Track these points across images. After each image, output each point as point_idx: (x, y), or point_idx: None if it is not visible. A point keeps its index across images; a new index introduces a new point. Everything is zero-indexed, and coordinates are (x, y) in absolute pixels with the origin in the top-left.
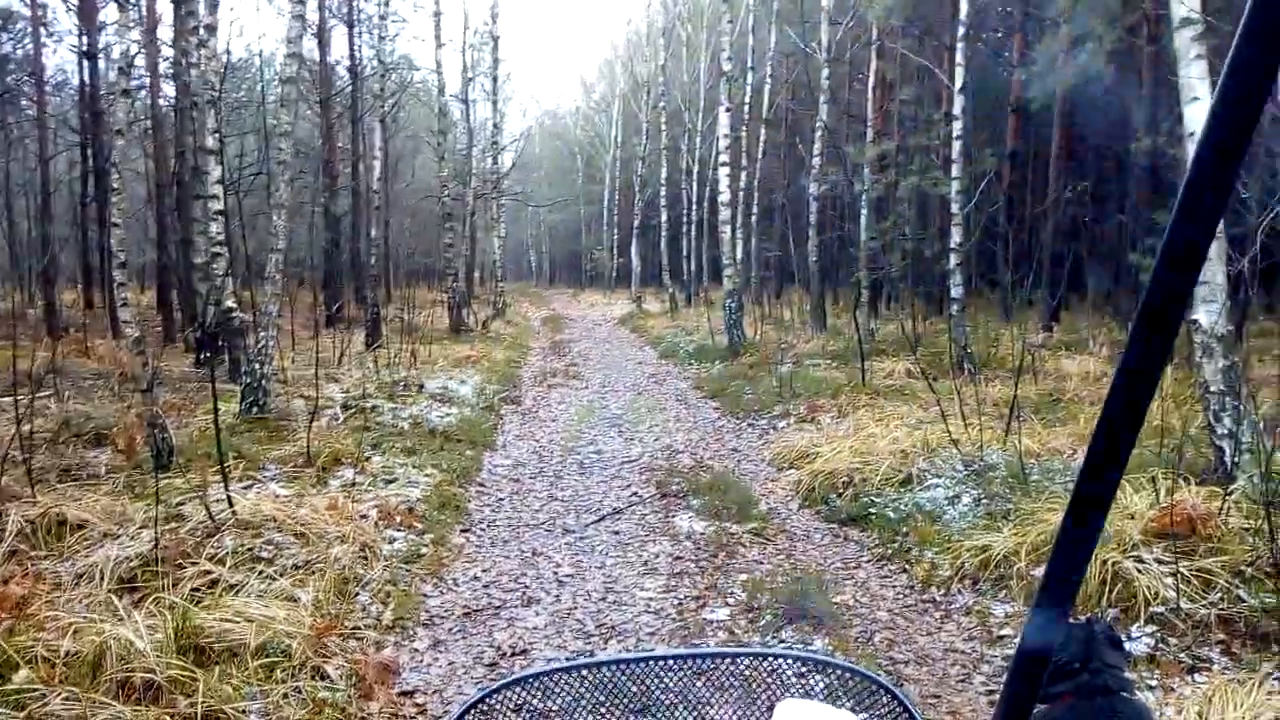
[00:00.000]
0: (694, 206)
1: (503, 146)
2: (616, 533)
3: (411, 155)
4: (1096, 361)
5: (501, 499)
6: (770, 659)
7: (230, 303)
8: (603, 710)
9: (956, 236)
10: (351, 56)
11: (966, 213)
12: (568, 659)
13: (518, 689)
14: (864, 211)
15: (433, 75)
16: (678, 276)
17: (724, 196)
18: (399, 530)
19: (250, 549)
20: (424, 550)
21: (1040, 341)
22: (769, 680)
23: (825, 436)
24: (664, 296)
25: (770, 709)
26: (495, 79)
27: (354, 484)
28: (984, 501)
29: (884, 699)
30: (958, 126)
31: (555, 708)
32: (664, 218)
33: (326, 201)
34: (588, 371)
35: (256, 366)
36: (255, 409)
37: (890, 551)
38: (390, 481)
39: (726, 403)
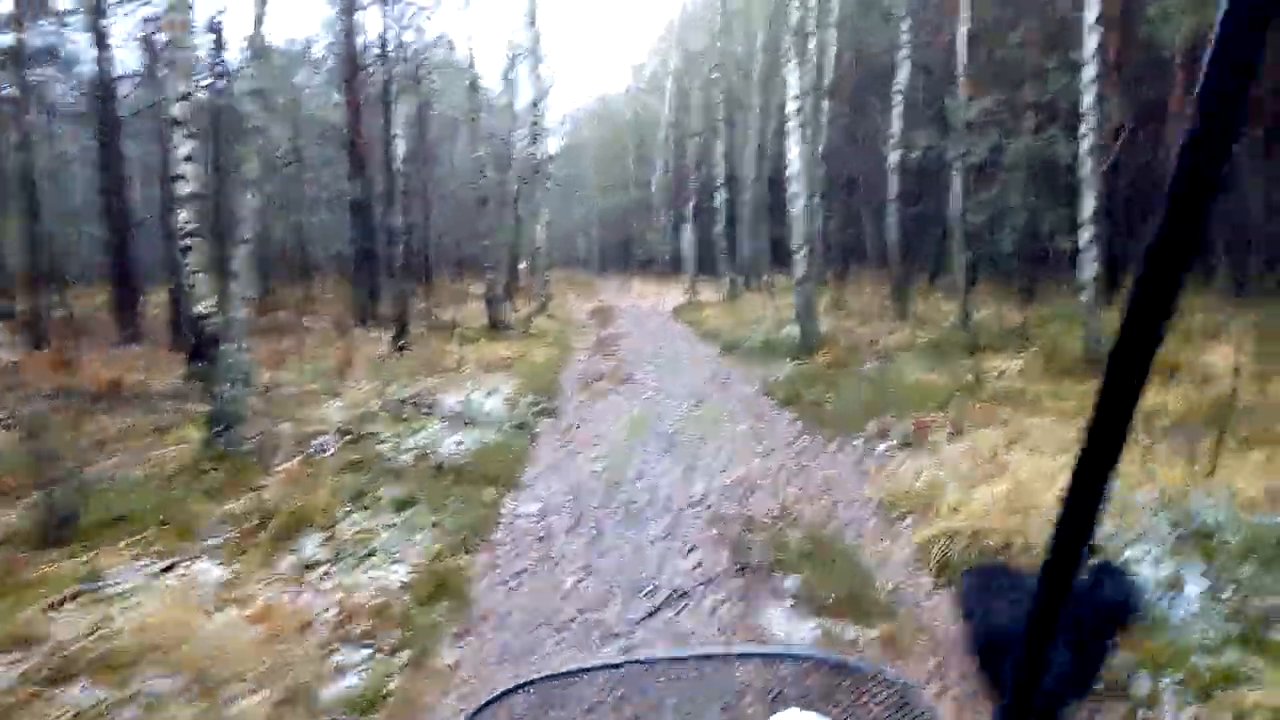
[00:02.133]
0: (751, 187)
1: (545, 128)
2: (679, 634)
3: (450, 140)
4: (1234, 355)
5: (520, 573)
6: (778, 660)
7: (205, 305)
8: (607, 712)
9: (1089, 205)
10: (381, 35)
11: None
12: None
13: (518, 695)
14: (956, 180)
15: (466, 50)
16: (735, 262)
17: (793, 167)
18: (361, 646)
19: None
20: (392, 684)
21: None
22: (774, 684)
23: (946, 466)
24: (721, 284)
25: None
26: (536, 57)
27: (313, 564)
28: (1224, 593)
29: (901, 698)
30: (1090, 70)
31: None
32: (721, 198)
33: (353, 189)
34: (639, 374)
35: (227, 386)
36: (223, 441)
37: (1099, 687)
38: (367, 556)
39: (806, 414)
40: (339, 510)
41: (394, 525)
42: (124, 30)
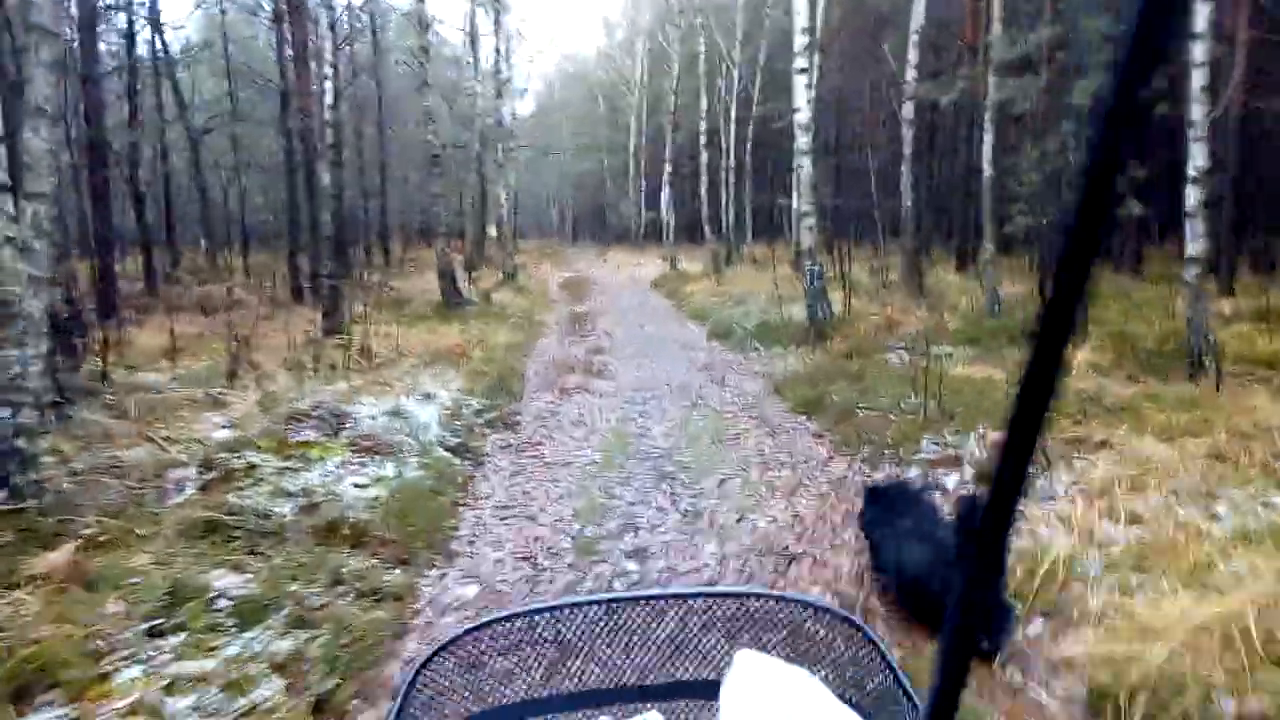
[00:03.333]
0: (733, 150)
1: (513, 86)
2: None
3: (414, 95)
4: None
5: None
6: (742, 599)
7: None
8: (569, 646)
9: (1198, 160)
10: None
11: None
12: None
13: (483, 633)
14: (988, 135)
15: None
16: (719, 231)
17: (800, 115)
18: None
19: None
20: None
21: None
22: (740, 620)
23: (1061, 522)
24: (703, 254)
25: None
26: (499, 6)
27: None
28: None
29: (856, 637)
30: None
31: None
32: (703, 160)
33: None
34: (617, 363)
35: (6, 413)
36: (7, 492)
37: None
38: None
39: (833, 425)
40: (130, 633)
41: (218, 668)
42: None
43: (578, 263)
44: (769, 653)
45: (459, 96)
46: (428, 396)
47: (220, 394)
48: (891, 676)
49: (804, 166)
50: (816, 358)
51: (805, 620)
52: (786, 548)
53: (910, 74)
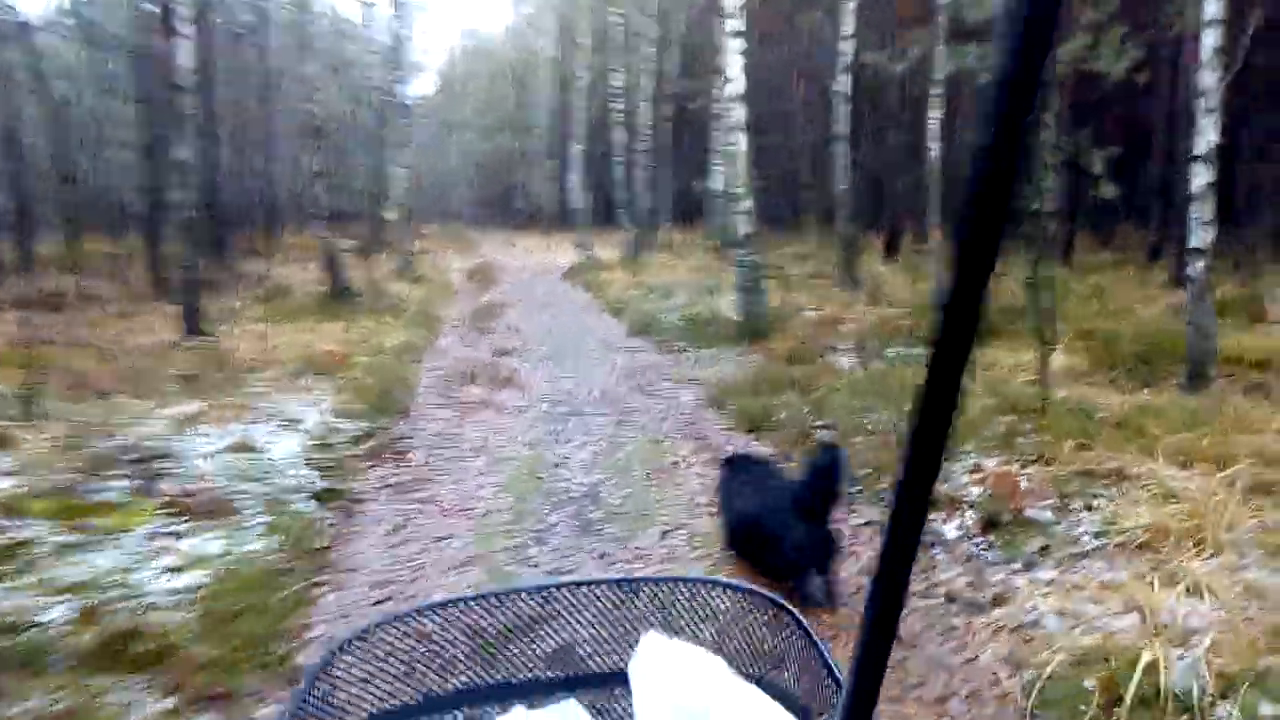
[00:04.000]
0: (646, 133)
1: (411, 59)
2: None
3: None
4: None
5: None
6: (662, 584)
7: None
8: (480, 641)
9: (1208, 135)
10: None
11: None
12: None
13: (394, 627)
14: (935, 113)
15: None
16: (633, 216)
17: (733, 86)
18: None
19: None
20: None
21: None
22: (662, 607)
23: (1124, 597)
24: (617, 240)
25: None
26: None
27: None
28: None
29: (781, 618)
30: None
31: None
32: (617, 139)
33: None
34: (528, 367)
35: None
36: None
37: None
38: None
39: (787, 448)
40: None
41: None
42: None
43: (484, 248)
44: (689, 636)
45: (352, 69)
46: (290, 423)
47: (7, 428)
48: (815, 652)
49: (738, 144)
50: (755, 361)
51: (726, 602)
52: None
53: (846, 45)
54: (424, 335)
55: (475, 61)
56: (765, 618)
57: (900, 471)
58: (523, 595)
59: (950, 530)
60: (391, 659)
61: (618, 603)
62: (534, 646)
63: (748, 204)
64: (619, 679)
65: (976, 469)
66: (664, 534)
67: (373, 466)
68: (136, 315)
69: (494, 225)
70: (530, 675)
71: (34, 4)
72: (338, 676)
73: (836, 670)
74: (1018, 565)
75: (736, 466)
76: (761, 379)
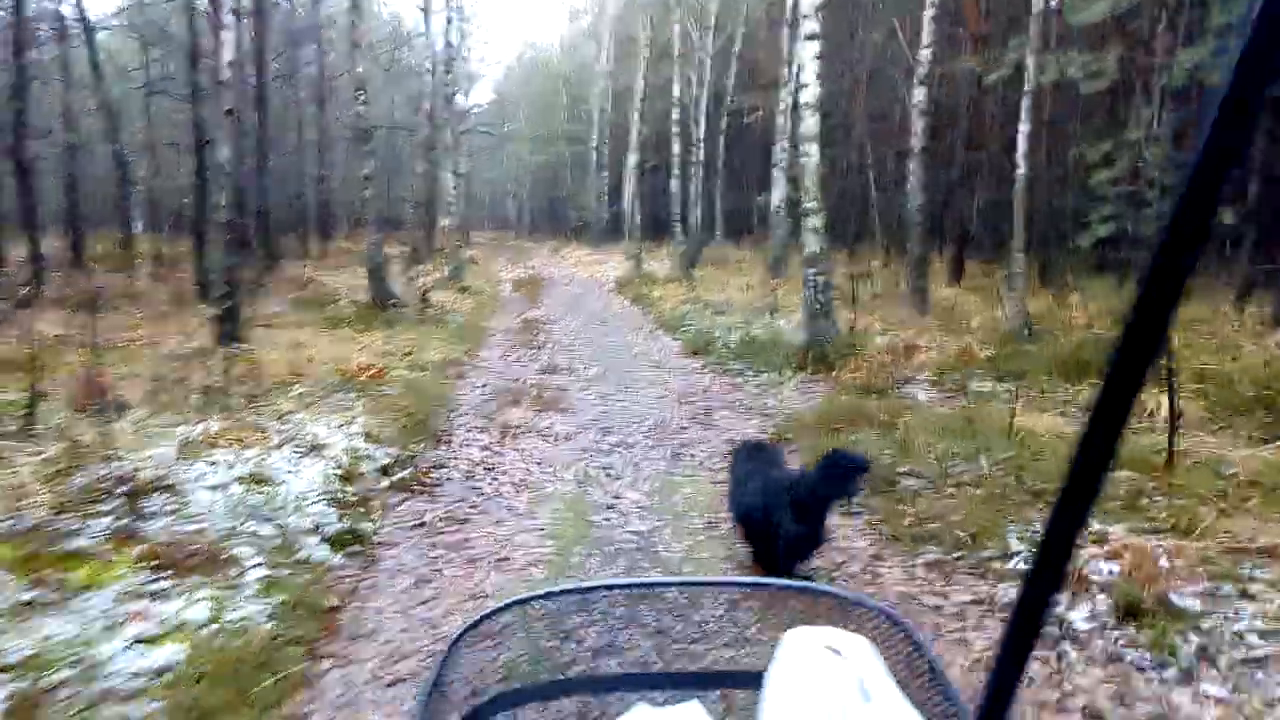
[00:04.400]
0: (702, 145)
1: (468, 68)
2: None
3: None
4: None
5: None
6: (774, 589)
7: None
8: (604, 629)
9: None
10: None
11: None
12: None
13: (513, 611)
14: (1024, 127)
15: None
16: (687, 228)
17: (808, 91)
18: None
19: None
20: None
21: None
22: (776, 612)
23: None
24: (669, 253)
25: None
26: None
27: None
28: None
29: (896, 634)
30: None
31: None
32: (674, 151)
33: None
34: (575, 388)
35: None
36: None
37: None
38: None
39: (870, 501)
40: None
41: None
42: None
43: (534, 259)
44: None
45: (410, 77)
46: (314, 448)
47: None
48: (931, 677)
49: (810, 155)
50: (823, 392)
51: (844, 615)
52: None
53: (924, 54)
54: (468, 349)
55: (531, 72)
56: (884, 636)
57: (1057, 503)
58: (657, 589)
59: (1080, 618)
60: (508, 645)
61: (732, 603)
62: (666, 641)
63: (818, 219)
64: (739, 680)
65: (1102, 539)
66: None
67: (402, 501)
68: (176, 317)
69: (545, 235)
70: (658, 669)
71: (99, 3)
72: (465, 656)
73: (958, 702)
74: (1172, 672)
75: (750, 453)
76: (833, 412)
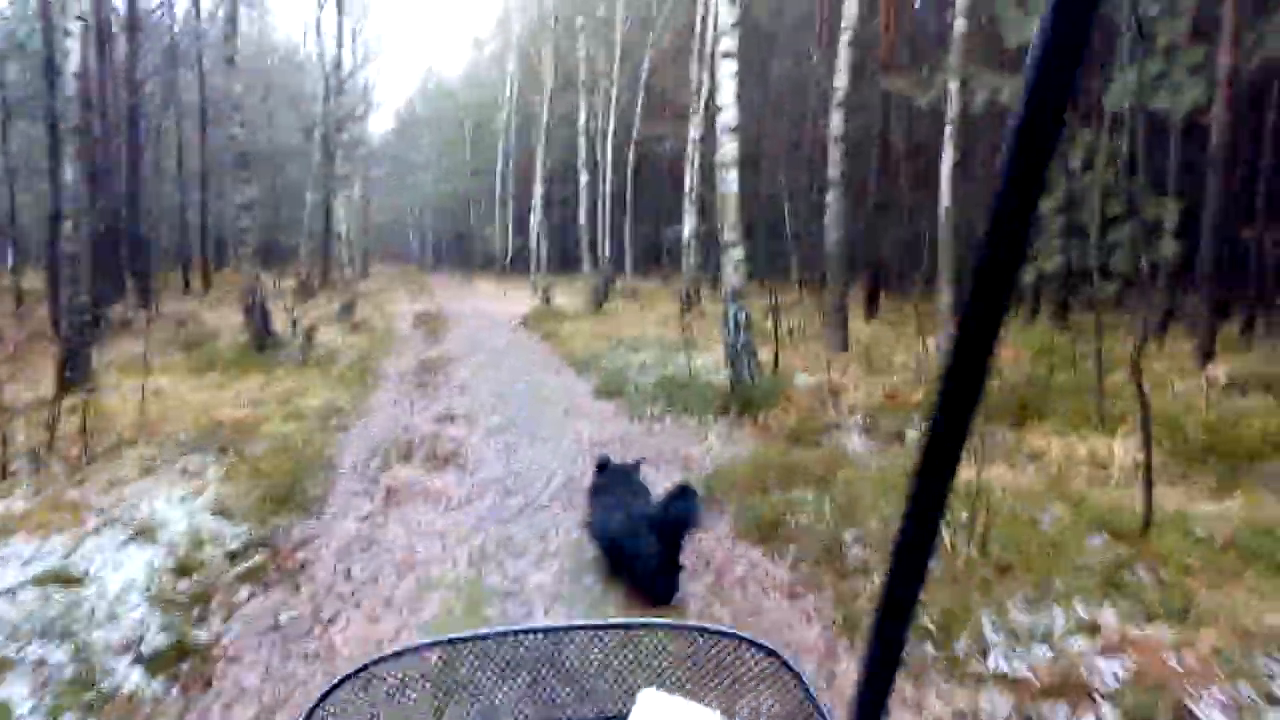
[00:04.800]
0: (609, 176)
1: (361, 93)
2: None
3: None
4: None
5: None
6: (650, 630)
7: None
8: (466, 681)
9: None
10: None
11: None
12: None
13: (378, 669)
14: (948, 155)
15: None
16: (596, 262)
17: (727, 115)
18: None
19: None
20: None
21: (1218, 376)
22: (653, 653)
23: None
24: (578, 287)
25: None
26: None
27: None
28: None
29: (772, 667)
30: None
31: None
32: (582, 183)
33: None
34: (475, 440)
35: None
36: None
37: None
38: None
39: (812, 575)
40: None
41: None
42: None
43: (437, 293)
44: (681, 686)
45: (307, 101)
46: (144, 531)
47: None
48: (811, 707)
49: (729, 183)
50: (750, 437)
51: (720, 651)
52: None
53: (841, 80)
54: (355, 394)
55: (435, 100)
56: (760, 669)
57: (902, 524)
58: (520, 636)
59: None
60: (376, 703)
61: (607, 647)
62: (532, 689)
63: (739, 252)
64: None
65: (1093, 627)
66: None
67: (252, 596)
68: (34, 361)
69: (450, 268)
70: (525, 717)
71: None
72: (334, 715)
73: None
74: None
75: (607, 473)
76: (763, 465)
